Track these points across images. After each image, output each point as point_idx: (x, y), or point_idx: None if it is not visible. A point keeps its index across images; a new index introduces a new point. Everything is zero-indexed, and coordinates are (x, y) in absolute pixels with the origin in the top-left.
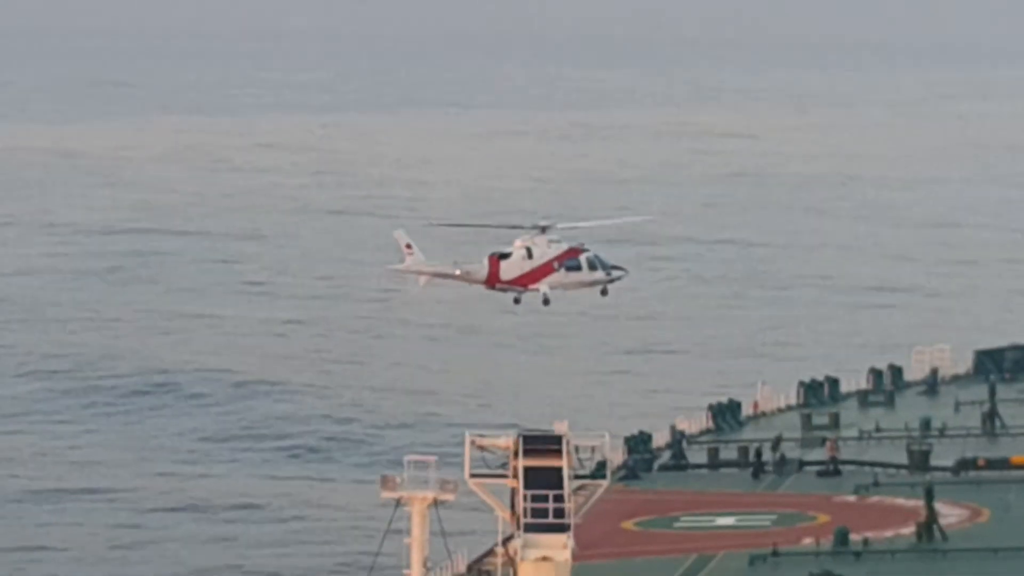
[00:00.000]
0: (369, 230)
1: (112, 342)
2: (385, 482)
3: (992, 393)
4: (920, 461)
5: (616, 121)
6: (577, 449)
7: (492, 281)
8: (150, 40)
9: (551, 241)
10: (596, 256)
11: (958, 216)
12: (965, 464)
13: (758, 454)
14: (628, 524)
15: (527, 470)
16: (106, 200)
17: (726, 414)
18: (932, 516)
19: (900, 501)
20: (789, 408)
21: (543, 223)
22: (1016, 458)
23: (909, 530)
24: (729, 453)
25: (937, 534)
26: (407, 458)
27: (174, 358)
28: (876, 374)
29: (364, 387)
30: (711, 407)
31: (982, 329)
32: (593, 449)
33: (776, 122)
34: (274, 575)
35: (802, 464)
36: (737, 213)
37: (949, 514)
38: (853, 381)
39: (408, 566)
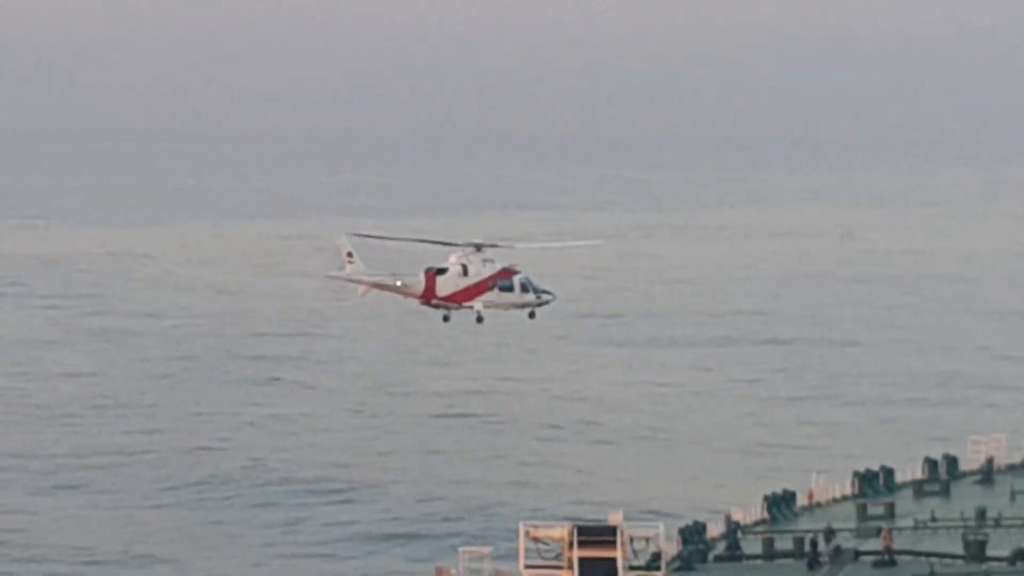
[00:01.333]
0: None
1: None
2: (440, 574)
3: None
4: (976, 551)
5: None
6: (632, 540)
7: (428, 296)
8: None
9: (485, 260)
10: (528, 279)
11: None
12: (1022, 555)
13: (813, 544)
14: None
15: (582, 561)
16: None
17: (781, 504)
18: None
19: None
20: (844, 498)
21: (477, 241)
22: None
23: None
24: (784, 543)
25: None
26: (462, 550)
27: (236, 456)
28: (931, 464)
29: (416, 478)
30: (766, 497)
31: None
32: (648, 540)
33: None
34: None
35: (857, 554)
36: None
37: None
38: (908, 471)
39: None
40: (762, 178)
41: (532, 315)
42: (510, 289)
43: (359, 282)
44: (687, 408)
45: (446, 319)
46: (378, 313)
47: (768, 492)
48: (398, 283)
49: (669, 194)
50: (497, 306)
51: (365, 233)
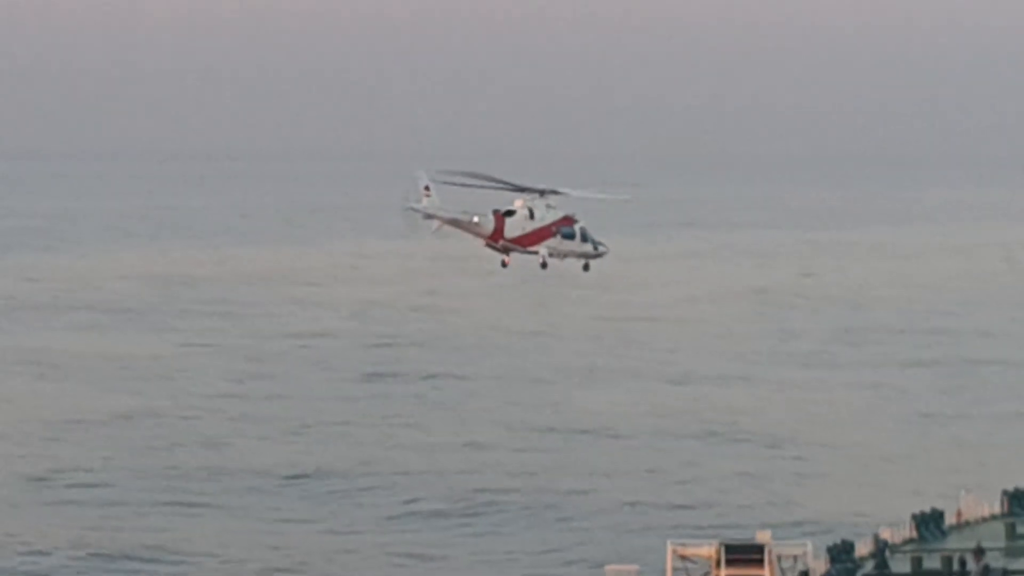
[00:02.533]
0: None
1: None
2: None
3: None
4: None
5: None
6: (779, 559)
7: (496, 237)
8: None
9: (548, 206)
10: (586, 228)
11: None
12: None
13: (962, 564)
14: None
15: None
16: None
17: (929, 523)
18: None
19: None
20: (993, 517)
21: (541, 187)
22: None
23: None
24: (932, 563)
25: None
26: (608, 568)
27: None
28: None
29: (562, 493)
30: (914, 516)
31: None
32: (796, 558)
33: None
34: None
35: (1006, 573)
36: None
37: None
38: None
39: None
40: (914, 197)
41: (587, 267)
42: (571, 237)
43: (434, 216)
44: (836, 423)
45: (504, 264)
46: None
47: (916, 511)
48: (474, 219)
49: (830, 212)
50: (558, 253)
51: (441, 172)
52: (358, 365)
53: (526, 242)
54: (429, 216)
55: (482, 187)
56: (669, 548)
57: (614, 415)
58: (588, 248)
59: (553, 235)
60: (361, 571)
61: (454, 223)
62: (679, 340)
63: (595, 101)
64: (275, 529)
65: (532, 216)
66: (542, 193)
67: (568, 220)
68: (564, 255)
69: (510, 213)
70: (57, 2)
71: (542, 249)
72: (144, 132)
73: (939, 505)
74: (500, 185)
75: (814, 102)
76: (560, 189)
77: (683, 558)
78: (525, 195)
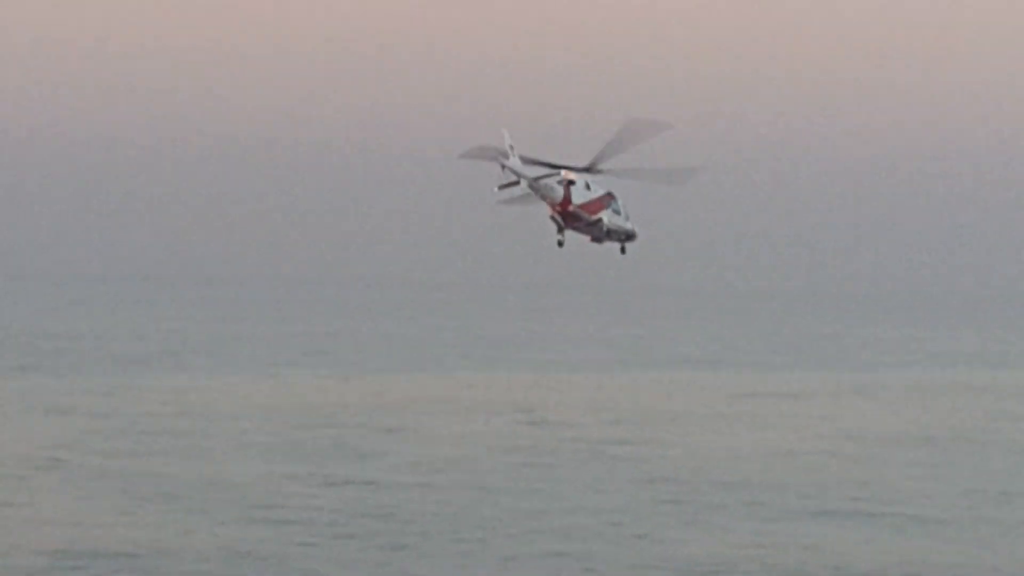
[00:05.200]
0: None
1: None
2: None
3: None
4: None
5: None
6: None
7: (565, 204)
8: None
9: (594, 181)
10: (625, 206)
11: None
12: None
13: None
14: None
15: None
16: None
17: None
18: None
19: None
20: None
21: (581, 166)
22: None
23: None
24: None
25: None
26: None
27: None
28: None
29: None
30: None
31: None
32: None
33: None
34: None
35: None
36: None
37: None
38: None
39: None
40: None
41: (624, 250)
42: (618, 212)
43: (519, 174)
44: None
45: (560, 244)
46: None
47: None
48: (559, 179)
49: (857, 349)
50: (612, 225)
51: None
52: None
53: (590, 209)
54: (516, 175)
55: (534, 163)
56: None
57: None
58: (629, 226)
59: (607, 206)
60: None
61: (534, 186)
62: None
63: None
64: None
65: (588, 187)
66: (587, 170)
67: (611, 195)
68: (614, 230)
69: (572, 183)
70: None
71: (604, 216)
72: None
73: None
74: (548, 166)
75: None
76: (600, 167)
77: None
78: (569, 171)
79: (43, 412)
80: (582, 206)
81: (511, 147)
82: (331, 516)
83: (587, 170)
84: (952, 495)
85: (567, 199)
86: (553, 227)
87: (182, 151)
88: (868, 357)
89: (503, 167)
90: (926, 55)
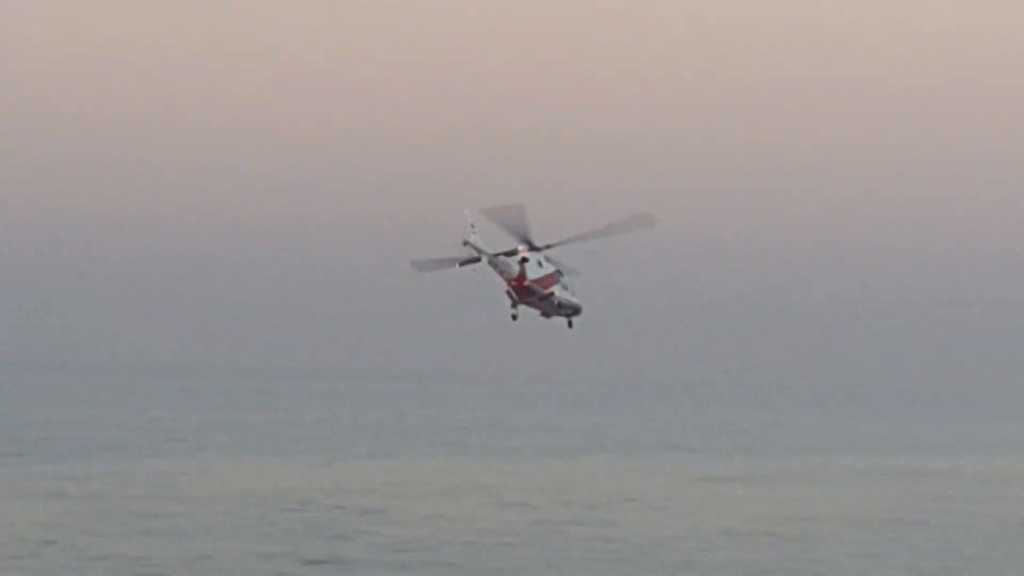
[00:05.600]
0: None
1: None
2: None
3: None
4: None
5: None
6: None
7: (520, 279)
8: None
9: (546, 258)
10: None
11: None
12: None
13: None
14: None
15: None
16: None
17: None
18: None
19: None
20: None
21: (539, 244)
22: None
23: None
24: None
25: None
26: None
27: None
28: None
29: None
30: None
31: None
32: None
33: None
34: None
35: None
36: None
37: None
38: None
39: None
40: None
41: (571, 324)
42: (566, 287)
43: (479, 251)
44: None
45: (514, 318)
46: None
47: None
48: (517, 256)
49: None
50: (561, 300)
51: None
52: None
53: (543, 284)
54: (477, 251)
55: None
56: None
57: None
58: (576, 301)
59: (557, 282)
60: None
61: (492, 262)
62: None
63: None
64: None
65: (540, 264)
66: (539, 248)
67: (560, 272)
68: (564, 304)
69: (525, 260)
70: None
71: (556, 290)
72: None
73: None
74: (518, 236)
75: None
76: (551, 243)
77: None
78: (526, 247)
79: (35, 496)
80: (536, 281)
81: (472, 225)
82: None
83: (538, 248)
84: (887, 569)
85: (522, 275)
86: (507, 303)
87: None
88: (805, 443)
89: (464, 243)
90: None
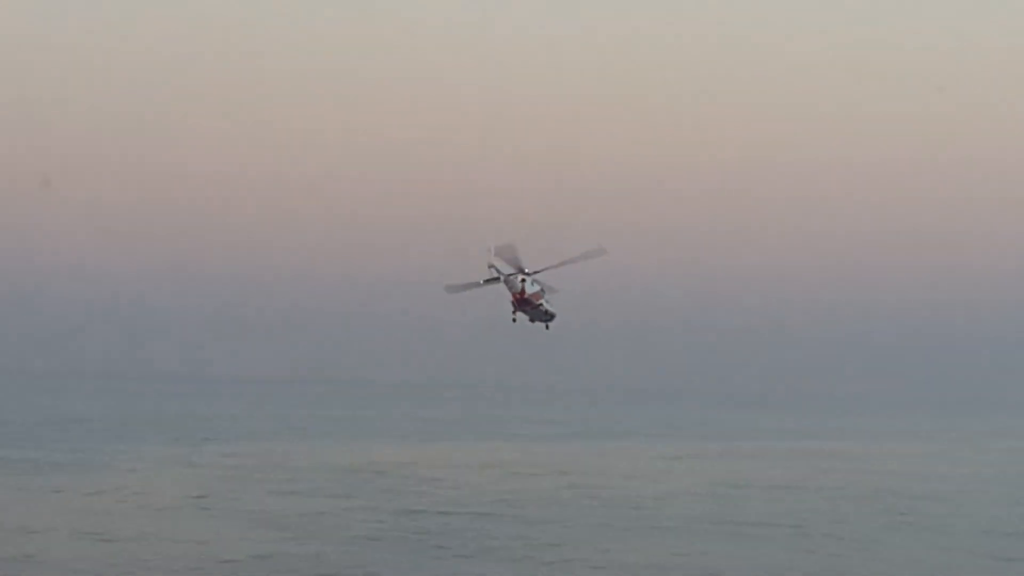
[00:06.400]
0: None
1: None
2: None
3: None
4: None
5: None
6: None
7: (522, 294)
8: None
9: (535, 280)
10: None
11: None
12: None
13: None
14: None
15: None
16: None
17: None
18: None
19: None
20: None
21: (528, 269)
22: None
23: None
24: None
25: None
26: None
27: None
28: None
29: None
30: None
31: None
32: None
33: None
34: None
35: None
36: None
37: None
38: None
39: None
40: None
41: (548, 327)
42: (548, 301)
43: (499, 271)
44: None
45: (514, 320)
46: None
47: None
48: (516, 279)
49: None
50: (545, 308)
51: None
52: None
53: (536, 298)
54: (498, 272)
55: (504, 261)
56: None
57: None
58: (552, 311)
59: (542, 297)
60: None
61: (505, 280)
62: None
63: None
64: None
65: (533, 283)
66: (530, 273)
67: (543, 290)
68: (546, 312)
69: (524, 280)
70: None
71: (544, 302)
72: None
73: None
74: (515, 265)
75: None
76: (538, 270)
77: None
78: (522, 274)
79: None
80: (532, 295)
81: (493, 253)
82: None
83: (529, 273)
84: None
85: (523, 291)
86: (509, 308)
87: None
88: (737, 431)
89: (489, 266)
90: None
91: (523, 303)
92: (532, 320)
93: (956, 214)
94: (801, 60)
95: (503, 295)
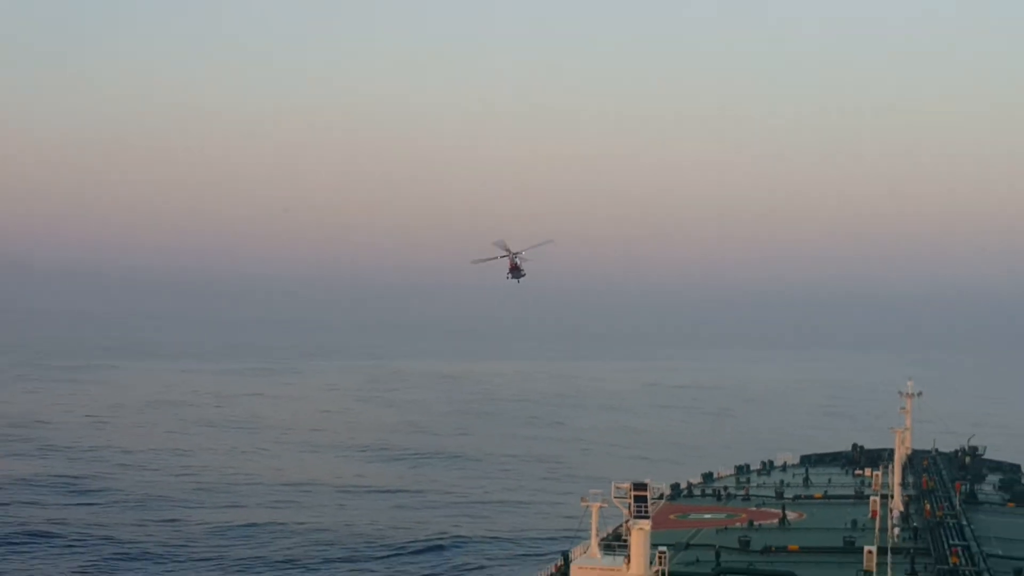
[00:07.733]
0: None
1: None
2: None
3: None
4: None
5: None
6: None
7: (513, 265)
8: None
9: (518, 255)
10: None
11: None
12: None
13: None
14: (672, 516)
15: None
16: None
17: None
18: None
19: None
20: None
21: (513, 248)
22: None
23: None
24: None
25: None
26: None
27: None
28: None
29: None
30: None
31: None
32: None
33: None
34: None
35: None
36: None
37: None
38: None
39: None
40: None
41: (519, 281)
42: (521, 267)
43: (506, 249)
44: None
45: (507, 278)
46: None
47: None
48: (514, 254)
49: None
50: (521, 271)
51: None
52: None
53: (520, 268)
54: (505, 250)
55: (499, 247)
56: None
57: None
58: (524, 273)
59: (520, 267)
60: None
61: (510, 255)
62: None
63: None
64: None
65: (516, 255)
66: (516, 253)
67: (522, 261)
68: (521, 273)
69: (517, 254)
70: None
71: (524, 268)
72: None
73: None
74: (504, 249)
75: None
76: (520, 250)
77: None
78: (511, 252)
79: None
80: (518, 266)
81: (502, 240)
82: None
83: (516, 253)
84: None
85: (514, 263)
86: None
87: None
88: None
89: (501, 246)
90: None
91: (514, 269)
92: (515, 278)
93: None
94: None
95: (502, 266)
